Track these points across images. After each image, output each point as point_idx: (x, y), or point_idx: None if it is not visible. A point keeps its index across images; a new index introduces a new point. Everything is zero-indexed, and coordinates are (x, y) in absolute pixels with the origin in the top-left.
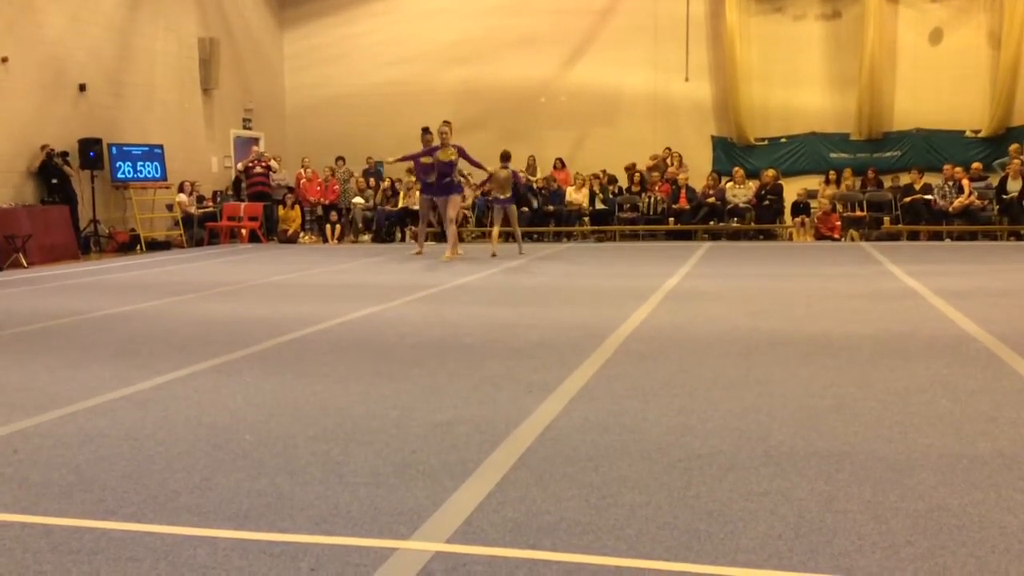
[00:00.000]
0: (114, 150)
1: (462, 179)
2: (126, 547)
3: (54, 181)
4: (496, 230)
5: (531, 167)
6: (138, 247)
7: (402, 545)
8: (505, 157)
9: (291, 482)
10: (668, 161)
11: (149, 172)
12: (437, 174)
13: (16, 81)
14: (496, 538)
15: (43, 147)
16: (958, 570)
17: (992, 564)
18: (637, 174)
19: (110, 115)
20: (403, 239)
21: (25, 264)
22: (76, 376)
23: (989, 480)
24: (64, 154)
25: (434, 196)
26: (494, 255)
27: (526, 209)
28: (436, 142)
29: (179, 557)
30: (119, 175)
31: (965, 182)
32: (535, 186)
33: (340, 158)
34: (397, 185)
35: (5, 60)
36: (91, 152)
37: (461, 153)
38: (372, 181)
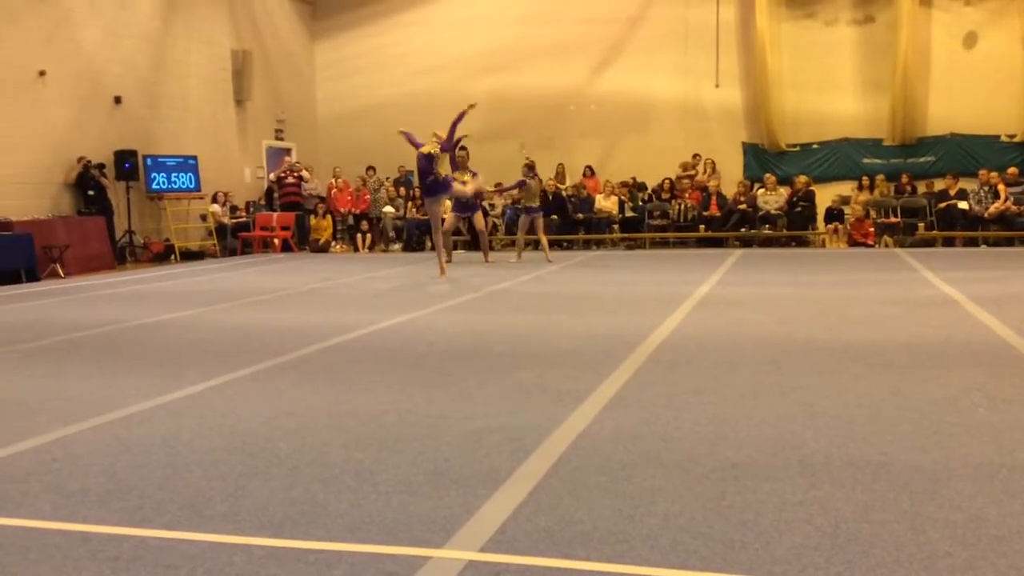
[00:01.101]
0: (149, 161)
1: (491, 190)
2: (163, 554)
3: (90, 192)
4: (521, 237)
5: (560, 175)
6: (172, 257)
7: (436, 553)
8: (531, 167)
9: (325, 490)
10: (700, 167)
11: (183, 183)
12: (422, 172)
13: (53, 94)
14: (529, 547)
15: (80, 159)
16: None
17: None
18: (667, 181)
19: (145, 127)
20: (432, 248)
21: (62, 274)
22: (112, 385)
23: None
24: (100, 166)
25: (433, 197)
26: (513, 261)
27: (555, 216)
28: (469, 162)
29: (216, 564)
30: (154, 186)
31: (1001, 187)
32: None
33: (371, 167)
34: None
35: (43, 74)
36: (126, 163)
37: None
38: (403, 190)
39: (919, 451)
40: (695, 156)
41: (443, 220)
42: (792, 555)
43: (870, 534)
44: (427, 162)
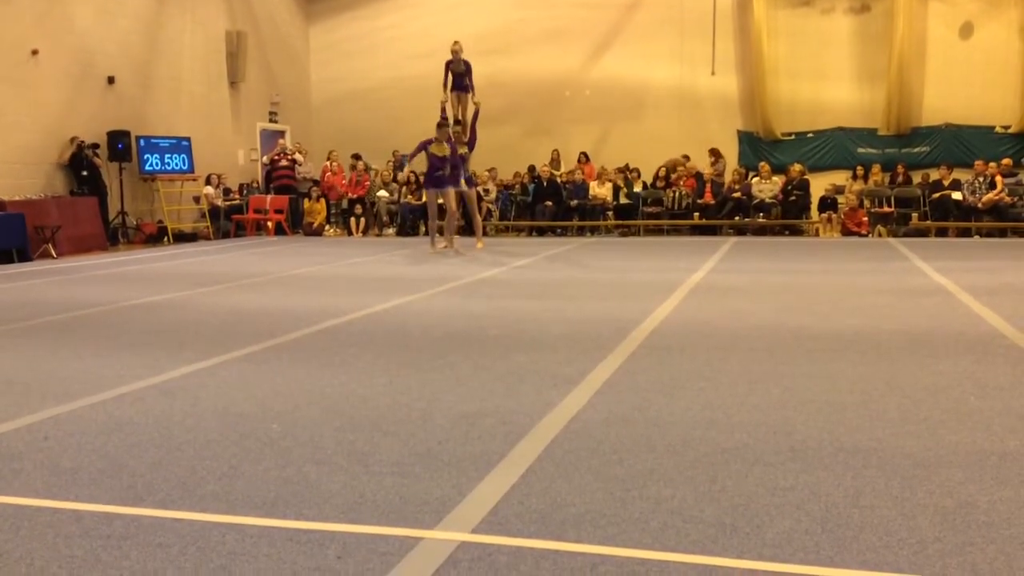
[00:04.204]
0: (142, 142)
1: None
2: (155, 533)
3: (84, 173)
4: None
5: (555, 161)
6: (165, 239)
7: (428, 534)
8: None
9: (317, 471)
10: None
11: (176, 164)
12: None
13: (46, 73)
14: (521, 529)
15: (73, 139)
16: (986, 567)
17: (1021, 561)
18: (662, 169)
19: (138, 107)
20: (427, 232)
21: (54, 255)
22: (106, 364)
23: (1018, 476)
24: (94, 146)
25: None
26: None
27: (550, 203)
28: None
29: (208, 543)
30: (147, 167)
31: (998, 178)
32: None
33: (356, 155)
34: (422, 179)
35: (35, 53)
36: (119, 144)
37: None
38: (398, 175)
39: (910, 438)
40: (684, 157)
41: (440, 205)
42: (782, 539)
43: (860, 519)
44: (461, 160)
